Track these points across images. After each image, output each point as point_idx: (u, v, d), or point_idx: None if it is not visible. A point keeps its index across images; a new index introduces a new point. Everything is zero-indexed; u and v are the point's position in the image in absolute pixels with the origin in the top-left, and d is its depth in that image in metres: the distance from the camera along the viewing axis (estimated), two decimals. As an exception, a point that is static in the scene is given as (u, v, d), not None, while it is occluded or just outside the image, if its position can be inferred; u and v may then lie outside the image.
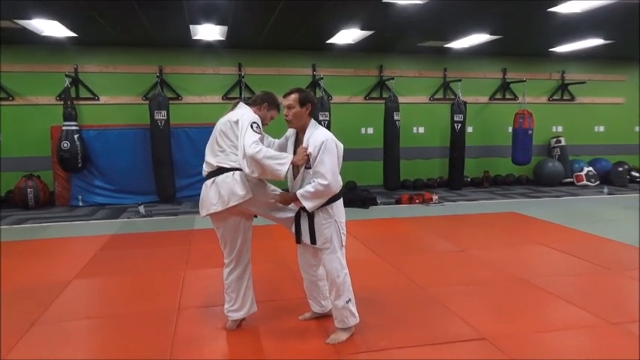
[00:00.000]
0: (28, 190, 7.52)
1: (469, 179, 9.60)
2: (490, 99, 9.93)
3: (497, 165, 9.97)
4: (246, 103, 3.10)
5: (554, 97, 10.19)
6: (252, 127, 2.81)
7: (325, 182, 2.70)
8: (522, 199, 8.21)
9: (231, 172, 2.87)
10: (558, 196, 8.48)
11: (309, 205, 2.76)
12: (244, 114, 2.91)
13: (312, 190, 2.73)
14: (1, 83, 7.83)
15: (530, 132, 9.15)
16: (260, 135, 2.85)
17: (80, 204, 7.80)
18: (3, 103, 7.88)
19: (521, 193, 8.81)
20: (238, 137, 2.84)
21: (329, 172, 2.71)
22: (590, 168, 9.77)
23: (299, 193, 2.77)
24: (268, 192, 3.01)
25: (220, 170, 2.89)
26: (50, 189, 7.91)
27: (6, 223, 6.55)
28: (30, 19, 6.21)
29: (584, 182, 9.62)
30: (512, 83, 9.80)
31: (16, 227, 6.32)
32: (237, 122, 2.87)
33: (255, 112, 2.99)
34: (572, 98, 10.22)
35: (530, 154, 9.25)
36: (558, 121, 10.27)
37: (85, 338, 3.13)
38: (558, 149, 9.98)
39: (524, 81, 9.39)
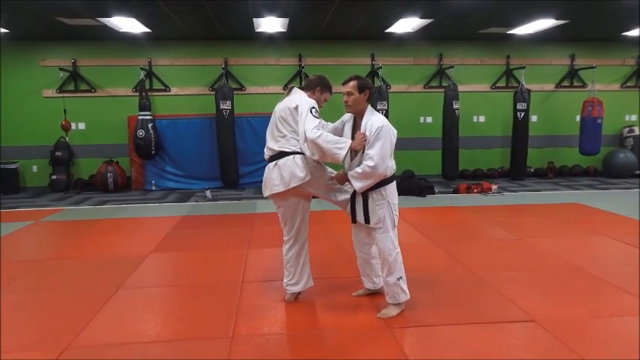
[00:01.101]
0: (108, 174, 8.23)
1: (532, 170, 9.34)
2: (556, 87, 9.56)
3: (563, 155, 9.61)
4: (301, 88, 3.30)
5: (628, 84, 9.63)
6: (311, 112, 3.02)
7: (372, 164, 2.86)
8: (589, 191, 7.91)
9: (292, 156, 3.09)
10: (629, 189, 8.07)
11: (357, 185, 2.95)
12: (302, 100, 3.11)
13: (360, 171, 2.91)
14: (83, 76, 8.60)
15: (599, 121, 8.73)
16: (319, 119, 3.06)
17: (153, 188, 8.43)
18: (86, 94, 8.64)
19: (588, 185, 8.48)
20: (298, 122, 3.05)
21: (377, 155, 2.87)
22: (668, 159, 9.20)
23: (349, 173, 2.97)
24: (326, 174, 3.22)
25: (282, 154, 3.12)
26: (127, 174, 8.60)
27: (90, 204, 7.26)
28: (110, 16, 6.77)
29: (660, 174, 9.09)
30: (581, 70, 9.38)
31: (98, 207, 6.98)
32: (296, 108, 3.08)
33: (309, 97, 3.18)
34: (649, 85, 9.63)
35: (599, 144, 8.84)
36: (632, 109, 9.71)
37: (162, 302, 3.50)
38: (631, 139, 9.47)
39: (594, 67, 8.97)
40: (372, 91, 3.12)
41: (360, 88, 3.03)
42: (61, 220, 6.15)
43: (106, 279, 3.85)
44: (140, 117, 8.20)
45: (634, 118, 9.73)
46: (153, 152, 8.27)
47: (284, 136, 3.13)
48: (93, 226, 5.74)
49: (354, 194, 3.10)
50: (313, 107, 3.06)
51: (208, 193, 7.53)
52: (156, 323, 3.06)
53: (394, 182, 3.07)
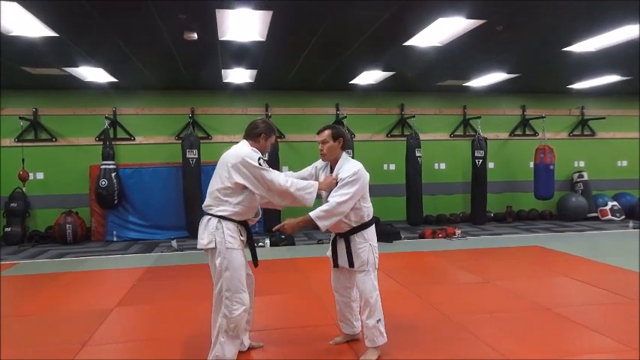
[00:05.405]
0: (67, 225, 7.91)
1: (492, 214, 9.67)
2: (510, 135, 10.12)
3: (520, 200, 10.03)
4: (244, 137, 3.09)
5: (575, 133, 10.32)
6: (262, 165, 2.88)
7: (340, 200, 2.91)
8: (546, 234, 8.24)
9: (208, 217, 2.97)
10: (583, 231, 8.48)
11: (322, 224, 2.92)
12: (243, 156, 2.89)
13: (326, 207, 2.92)
14: (43, 125, 8.42)
15: (551, 167, 9.25)
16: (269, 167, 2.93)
17: (115, 239, 8.15)
18: (46, 144, 8.43)
19: (545, 228, 8.83)
20: (228, 178, 2.90)
21: (348, 194, 2.93)
22: (615, 202, 9.75)
23: (313, 214, 2.92)
24: (239, 265, 3.05)
25: (207, 211, 3.02)
26: (87, 225, 8.30)
27: (47, 257, 6.91)
28: (77, 66, 6.76)
29: (609, 217, 9.60)
30: (532, 119, 10.00)
31: (57, 260, 6.66)
32: (233, 166, 2.89)
33: (252, 146, 3.00)
34: (593, 133, 10.33)
35: (552, 189, 9.32)
36: (580, 156, 10.36)
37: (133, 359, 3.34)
38: (581, 184, 10.02)
39: (544, 117, 9.59)
40: (347, 139, 3.23)
41: (335, 136, 3.14)
42: (18, 275, 5.82)
43: (69, 335, 3.65)
44: (103, 166, 8.04)
45: (582, 164, 10.35)
46: (115, 202, 8.06)
47: (211, 193, 3.01)
48: (52, 280, 5.46)
49: (335, 239, 3.15)
50: (260, 158, 2.91)
51: (174, 243, 7.35)
52: (127, 380, 2.91)
53: (373, 225, 3.15)
